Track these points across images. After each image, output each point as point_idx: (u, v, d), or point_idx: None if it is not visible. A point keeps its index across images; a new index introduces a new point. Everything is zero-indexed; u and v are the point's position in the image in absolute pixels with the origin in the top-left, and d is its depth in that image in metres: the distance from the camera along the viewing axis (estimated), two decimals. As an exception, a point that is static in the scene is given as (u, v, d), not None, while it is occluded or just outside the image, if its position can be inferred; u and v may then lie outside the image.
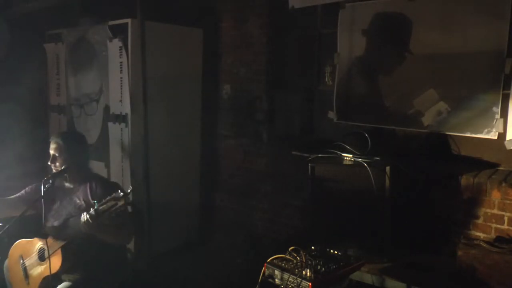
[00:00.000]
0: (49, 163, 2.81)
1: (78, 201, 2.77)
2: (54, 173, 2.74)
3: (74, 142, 2.85)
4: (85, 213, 2.46)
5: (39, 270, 2.74)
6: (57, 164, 2.79)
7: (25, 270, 2.82)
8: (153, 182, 3.91)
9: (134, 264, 3.72)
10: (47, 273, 2.62)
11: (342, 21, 3.73)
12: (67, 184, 2.86)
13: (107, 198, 2.42)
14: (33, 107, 4.89)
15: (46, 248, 2.60)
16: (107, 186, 2.77)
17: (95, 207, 2.44)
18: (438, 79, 3.31)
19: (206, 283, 3.80)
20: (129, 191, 2.47)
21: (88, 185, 2.79)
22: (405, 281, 2.76)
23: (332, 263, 2.41)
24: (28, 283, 2.78)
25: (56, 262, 2.61)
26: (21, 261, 2.85)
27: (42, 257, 2.74)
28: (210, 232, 4.71)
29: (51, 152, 2.80)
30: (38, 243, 2.78)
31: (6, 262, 2.97)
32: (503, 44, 3.01)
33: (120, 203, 2.40)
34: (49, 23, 4.78)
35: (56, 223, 2.75)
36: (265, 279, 2.41)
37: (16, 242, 2.91)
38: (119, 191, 2.42)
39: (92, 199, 2.65)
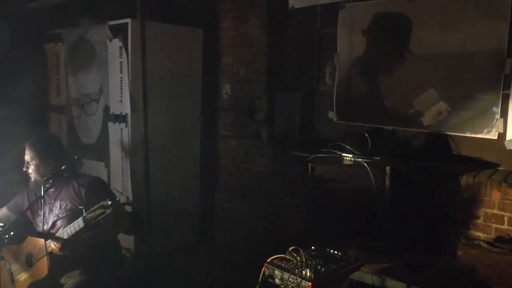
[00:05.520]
0: (24, 169, 2.82)
1: (63, 203, 2.76)
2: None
3: (43, 148, 2.81)
4: (75, 223, 2.49)
5: (25, 276, 2.71)
6: (30, 170, 2.80)
7: (11, 275, 2.80)
8: (153, 182, 3.90)
9: (134, 264, 3.72)
10: (34, 279, 2.62)
11: (342, 21, 3.73)
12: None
13: (95, 206, 2.42)
14: (33, 107, 4.88)
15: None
16: (90, 185, 2.78)
17: (83, 214, 2.45)
18: (438, 79, 3.31)
19: (206, 283, 3.80)
20: (117, 199, 2.47)
21: (70, 186, 2.78)
22: (405, 281, 2.76)
23: (332, 263, 2.40)
24: None
25: (43, 267, 2.58)
26: (8, 266, 2.82)
27: (29, 263, 2.71)
28: (210, 232, 4.71)
29: (25, 158, 2.81)
30: (25, 249, 2.75)
31: None
32: (503, 44, 3.01)
33: (109, 211, 2.38)
34: (49, 23, 4.77)
35: (44, 228, 2.74)
36: (265, 279, 2.40)
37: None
38: (108, 199, 2.40)
39: (79, 201, 2.69)
